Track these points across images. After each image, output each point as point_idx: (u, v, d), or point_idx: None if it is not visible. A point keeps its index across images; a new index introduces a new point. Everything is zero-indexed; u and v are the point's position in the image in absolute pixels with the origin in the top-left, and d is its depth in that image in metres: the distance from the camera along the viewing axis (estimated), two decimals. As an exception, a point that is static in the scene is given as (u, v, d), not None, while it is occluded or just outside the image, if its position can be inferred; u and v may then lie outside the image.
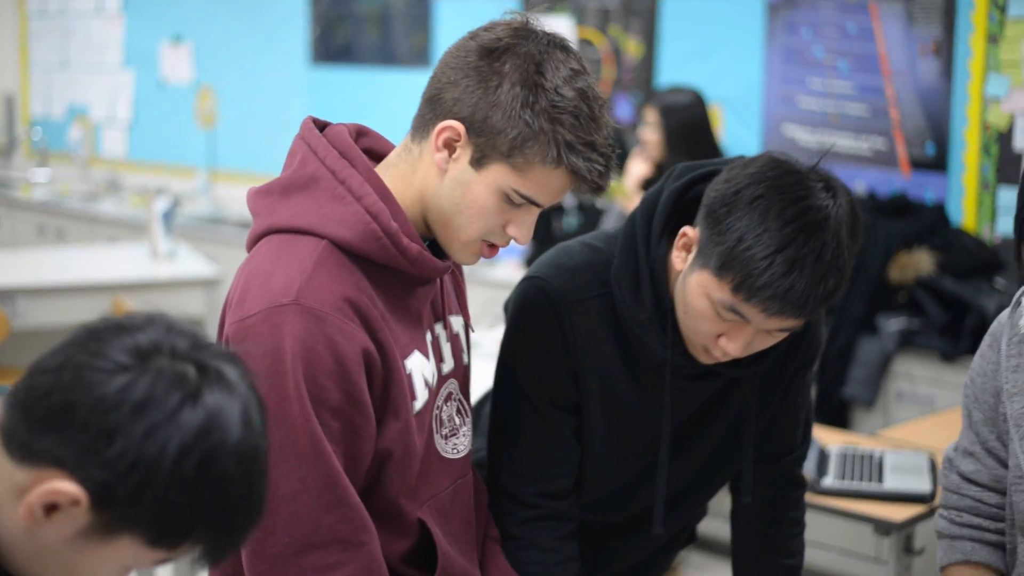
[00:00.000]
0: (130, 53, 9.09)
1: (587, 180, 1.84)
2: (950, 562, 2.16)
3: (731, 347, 2.02)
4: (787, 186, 1.95)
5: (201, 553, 1.20)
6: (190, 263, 6.14)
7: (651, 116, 5.43)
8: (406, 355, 1.87)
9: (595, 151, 1.83)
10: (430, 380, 1.92)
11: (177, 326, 1.25)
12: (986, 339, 2.13)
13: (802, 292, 1.93)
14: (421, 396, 1.89)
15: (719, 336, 2.03)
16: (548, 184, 1.85)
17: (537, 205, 1.87)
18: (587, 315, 2.13)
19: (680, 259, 2.06)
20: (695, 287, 2.01)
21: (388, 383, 1.83)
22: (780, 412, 2.30)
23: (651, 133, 5.36)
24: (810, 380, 2.33)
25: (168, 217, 6.15)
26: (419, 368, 1.90)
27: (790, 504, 2.38)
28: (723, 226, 1.96)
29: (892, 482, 3.77)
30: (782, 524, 2.38)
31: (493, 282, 6.08)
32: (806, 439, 2.38)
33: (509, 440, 2.19)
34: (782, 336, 2.06)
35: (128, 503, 1.14)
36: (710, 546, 5.54)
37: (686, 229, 2.04)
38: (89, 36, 9.32)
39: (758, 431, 2.27)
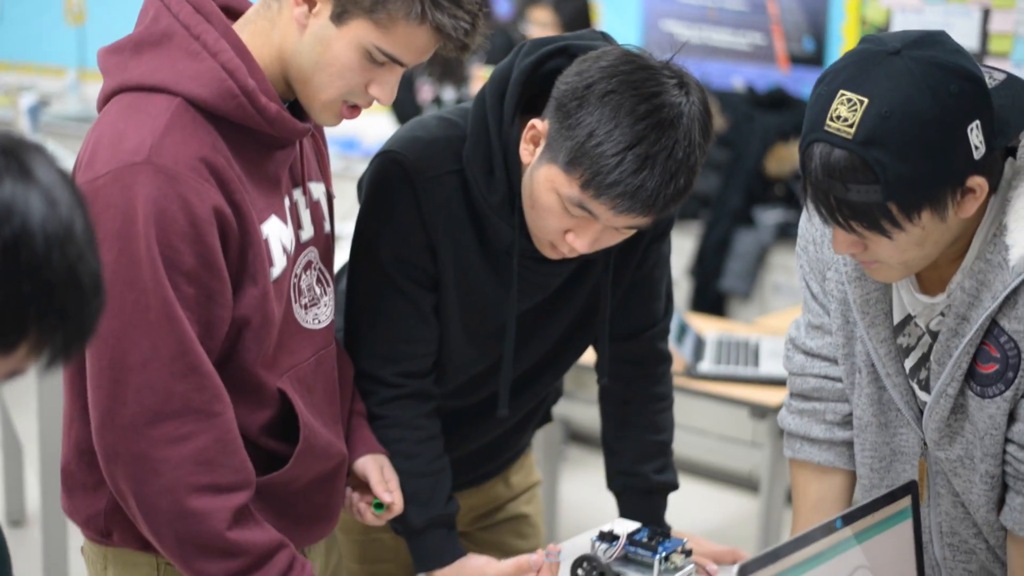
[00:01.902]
0: (-6, -52, 8.81)
1: (452, 38, 1.79)
2: (795, 458, 2.15)
3: (578, 243, 1.99)
4: (640, 82, 1.91)
5: (49, 356, 1.14)
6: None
7: (543, 16, 5.38)
8: (263, 219, 1.81)
9: (461, 8, 1.77)
10: (288, 246, 1.86)
11: None
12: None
13: (652, 190, 1.90)
14: (279, 262, 1.84)
15: (566, 232, 2.00)
16: (412, 42, 1.79)
17: (400, 64, 1.81)
18: (443, 191, 2.08)
19: (528, 152, 2.01)
20: (542, 182, 1.97)
21: (245, 247, 1.77)
22: (637, 286, 2.27)
23: (547, 32, 5.30)
24: (666, 252, 2.30)
25: (34, 113, 6.01)
26: (276, 233, 1.84)
27: (656, 378, 2.37)
28: (573, 120, 1.91)
29: (768, 367, 3.80)
30: (649, 400, 2.36)
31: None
32: (668, 313, 2.36)
33: (368, 319, 2.15)
34: (630, 233, 2.03)
35: None
36: (589, 440, 5.58)
37: (534, 122, 1.99)
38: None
39: (616, 307, 2.26)
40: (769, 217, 5.59)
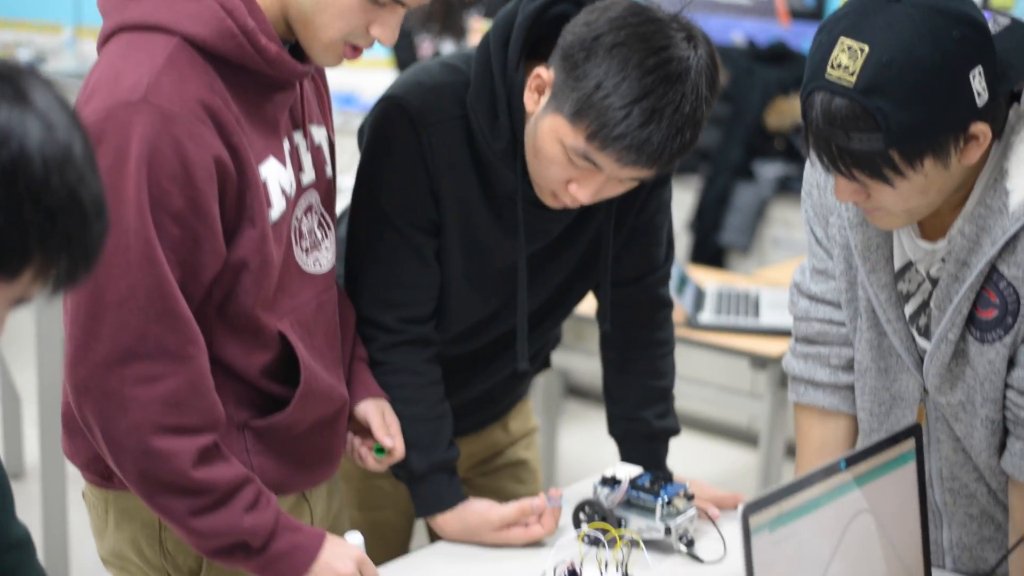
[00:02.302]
0: (-12, -97, 8.74)
1: None
2: (799, 401, 2.15)
3: (581, 194, 1.99)
4: (648, 35, 1.90)
5: (54, 282, 1.14)
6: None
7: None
8: (261, 161, 1.79)
9: None
10: (287, 189, 1.85)
11: None
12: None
13: (659, 144, 1.90)
14: (278, 205, 1.83)
15: (569, 182, 1.99)
16: None
17: (402, 4, 1.80)
18: (446, 137, 2.07)
19: (532, 100, 2.01)
20: (547, 131, 1.97)
21: (243, 190, 1.76)
22: (639, 231, 2.27)
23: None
24: (667, 198, 2.29)
25: (31, 68, 5.97)
26: (275, 175, 1.82)
27: (657, 324, 2.36)
28: (580, 71, 1.90)
29: (768, 317, 3.79)
30: (649, 345, 2.36)
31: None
32: (668, 259, 2.35)
33: (369, 264, 2.14)
34: (632, 185, 2.03)
35: None
36: (588, 394, 5.58)
37: (539, 70, 1.98)
38: None
39: (618, 253, 2.25)
40: (769, 171, 5.58)
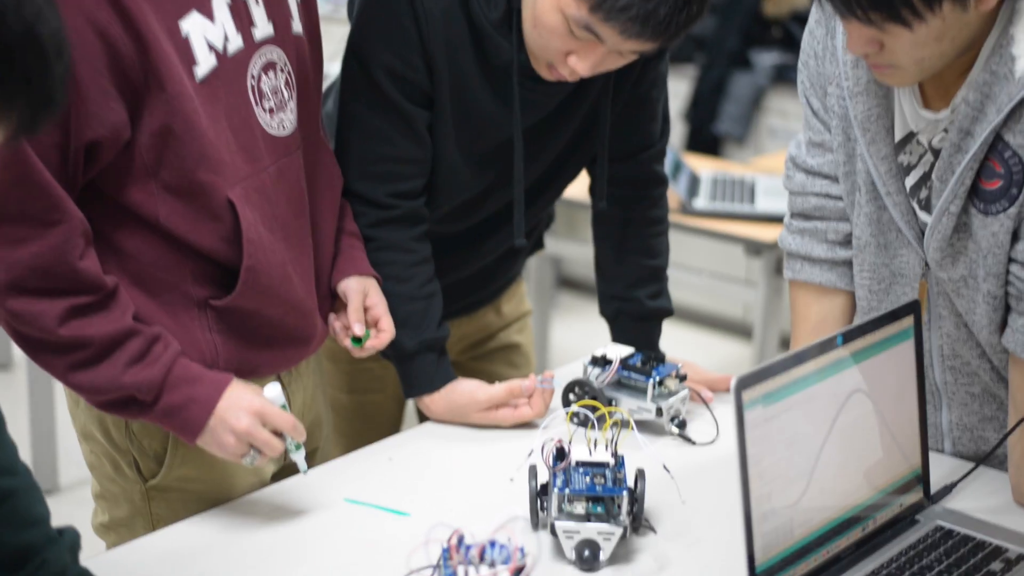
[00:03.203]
0: None
1: None
2: (795, 279, 2.10)
3: (580, 66, 1.94)
4: None
5: (15, 125, 1.09)
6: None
7: None
8: (180, 15, 1.70)
9: None
10: (217, 44, 1.75)
11: None
12: (813, 13, 2.01)
13: (665, 16, 1.84)
14: (205, 62, 1.73)
15: (568, 54, 1.94)
16: None
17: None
18: (441, 5, 2.00)
19: None
20: (548, 1, 1.91)
21: (143, 52, 1.66)
22: (634, 104, 2.21)
23: None
24: (664, 72, 2.23)
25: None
26: (199, 30, 1.72)
27: (652, 202, 2.31)
28: None
29: (764, 204, 3.74)
30: (644, 223, 2.31)
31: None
32: (664, 135, 2.30)
33: (359, 137, 2.08)
34: (632, 58, 1.97)
35: None
36: (581, 286, 5.55)
37: None
38: None
39: (614, 127, 2.19)
40: (766, 59, 5.49)
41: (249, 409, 1.74)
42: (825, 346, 1.63)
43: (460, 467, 2.00)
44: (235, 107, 1.78)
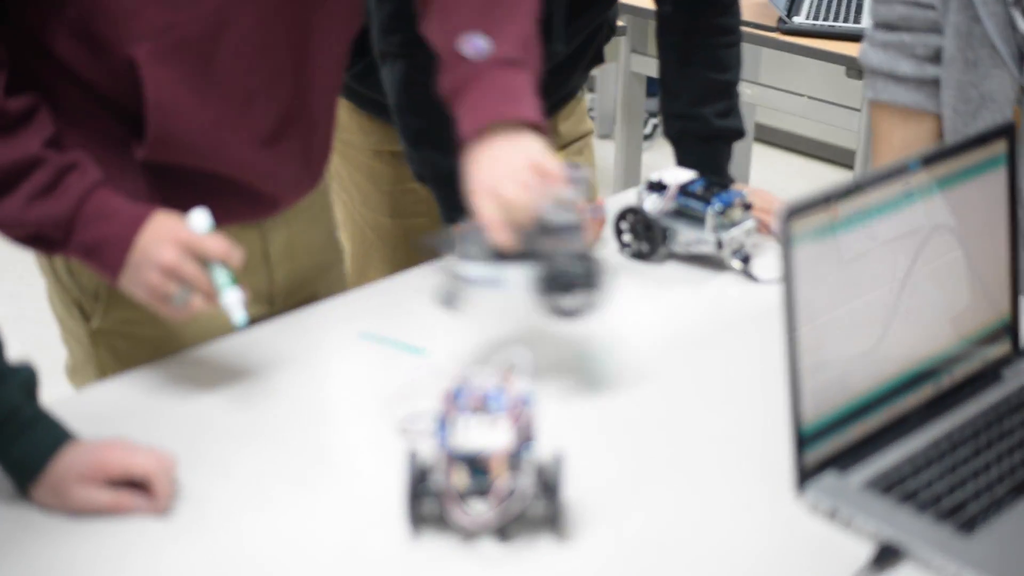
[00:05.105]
0: None
1: None
2: (877, 99, 1.86)
3: None
4: None
5: None
6: None
7: None
8: None
9: None
10: None
11: None
12: None
13: None
14: None
15: None
16: None
17: None
18: None
19: None
20: None
21: None
22: None
23: None
24: None
25: None
26: None
27: (724, 7, 2.09)
28: None
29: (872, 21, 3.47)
30: (713, 32, 2.08)
31: None
32: None
33: None
34: None
35: None
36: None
37: None
38: None
39: None
40: None
41: (175, 240, 1.50)
42: (898, 171, 1.41)
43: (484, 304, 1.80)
44: None
